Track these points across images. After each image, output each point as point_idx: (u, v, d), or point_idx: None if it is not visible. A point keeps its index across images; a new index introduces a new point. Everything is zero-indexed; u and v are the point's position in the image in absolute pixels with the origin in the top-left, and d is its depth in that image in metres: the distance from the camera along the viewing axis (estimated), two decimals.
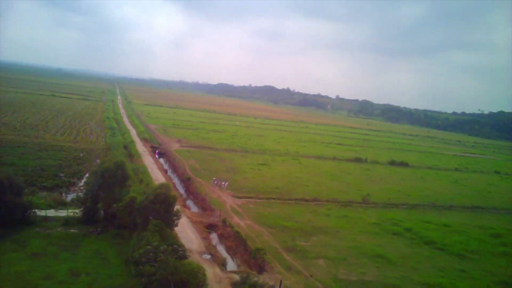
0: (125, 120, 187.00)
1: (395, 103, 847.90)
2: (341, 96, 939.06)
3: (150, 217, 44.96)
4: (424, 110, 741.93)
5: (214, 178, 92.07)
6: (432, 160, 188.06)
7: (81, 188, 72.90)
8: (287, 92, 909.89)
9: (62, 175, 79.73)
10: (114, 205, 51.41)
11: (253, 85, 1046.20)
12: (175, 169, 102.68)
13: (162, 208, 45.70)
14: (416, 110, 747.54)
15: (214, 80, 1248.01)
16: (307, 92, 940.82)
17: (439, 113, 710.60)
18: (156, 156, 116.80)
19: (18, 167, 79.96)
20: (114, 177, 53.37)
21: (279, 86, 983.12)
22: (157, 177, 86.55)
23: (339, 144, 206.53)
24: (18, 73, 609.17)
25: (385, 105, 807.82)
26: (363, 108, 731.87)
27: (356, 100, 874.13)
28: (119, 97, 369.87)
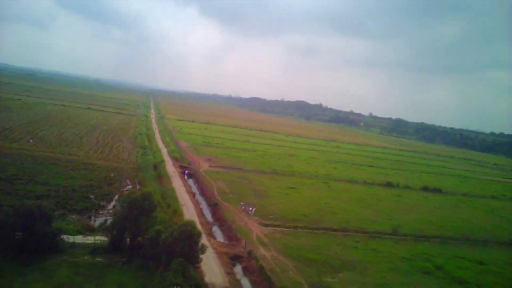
0: (157, 136, 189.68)
1: (429, 121, 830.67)
2: (374, 113, 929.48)
3: (175, 254, 44.69)
4: (460, 130, 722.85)
5: (241, 203, 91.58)
6: (467, 186, 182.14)
7: (110, 211, 73.79)
8: (319, 108, 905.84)
9: (92, 196, 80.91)
10: (139, 238, 51.57)
11: (286, 99, 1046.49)
12: (203, 192, 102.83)
13: (186, 245, 45.44)
14: (452, 129, 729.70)
15: (246, 94, 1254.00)
16: (339, 109, 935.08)
17: (476, 133, 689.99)
18: (185, 177, 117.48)
19: (50, 187, 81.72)
20: (141, 208, 53.64)
21: (312, 101, 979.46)
22: (185, 201, 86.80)
23: (371, 166, 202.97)
24: (59, 83, 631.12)
25: (419, 123, 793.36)
26: (397, 127, 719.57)
27: (390, 118, 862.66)
28: (152, 111, 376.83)
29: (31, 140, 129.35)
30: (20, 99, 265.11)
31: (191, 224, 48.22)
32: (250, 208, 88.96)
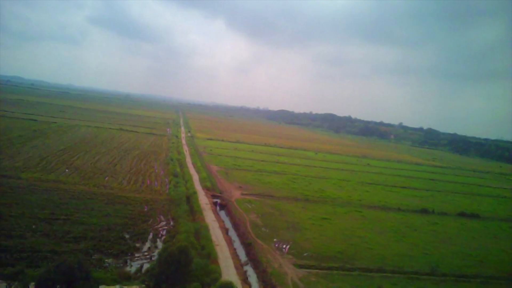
0: (188, 160, 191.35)
1: (462, 131, 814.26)
2: (405, 123, 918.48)
3: None
4: (496, 141, 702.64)
5: (275, 240, 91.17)
6: (506, 208, 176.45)
7: (145, 254, 74.45)
8: (348, 120, 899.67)
9: (127, 236, 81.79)
10: None
11: (314, 112, 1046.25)
12: (236, 226, 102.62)
13: None
14: (486, 140, 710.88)
15: (275, 106, 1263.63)
16: (369, 119, 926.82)
17: None
18: (217, 208, 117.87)
19: (87, 227, 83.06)
20: (178, 262, 53.89)
21: (340, 113, 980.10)
22: (219, 240, 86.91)
23: (404, 187, 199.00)
24: (91, 101, 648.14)
25: (451, 134, 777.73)
26: (428, 139, 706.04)
27: (421, 129, 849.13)
28: (182, 129, 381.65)
29: (67, 170, 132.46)
30: (55, 122, 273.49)
31: (229, 285, 48.00)
32: (284, 246, 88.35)
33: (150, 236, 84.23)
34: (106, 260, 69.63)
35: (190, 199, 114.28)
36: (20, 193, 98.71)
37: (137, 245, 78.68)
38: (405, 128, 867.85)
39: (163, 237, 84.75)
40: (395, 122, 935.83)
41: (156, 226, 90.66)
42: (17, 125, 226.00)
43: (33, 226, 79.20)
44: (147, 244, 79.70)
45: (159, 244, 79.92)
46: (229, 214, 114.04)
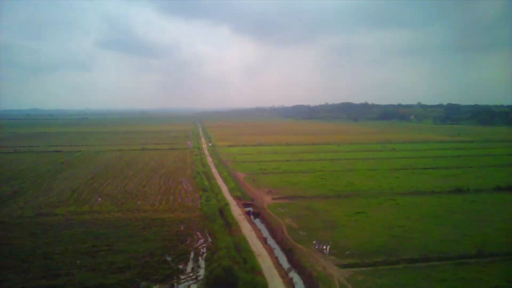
0: (214, 171, 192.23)
1: (483, 102, 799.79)
2: (423, 102, 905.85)
3: None
4: None
5: (314, 242, 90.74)
6: None
7: (190, 275, 74.91)
8: (365, 107, 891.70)
9: (169, 259, 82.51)
10: None
11: (330, 103, 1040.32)
12: (273, 234, 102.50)
13: None
14: (510, 107, 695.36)
15: (289, 103, 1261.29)
16: (387, 103, 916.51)
17: None
18: (252, 217, 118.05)
19: (129, 255, 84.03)
20: (225, 283, 54.16)
21: (357, 100, 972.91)
22: (259, 250, 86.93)
23: (433, 168, 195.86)
24: (110, 123, 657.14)
25: (473, 106, 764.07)
26: (450, 114, 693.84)
27: (441, 105, 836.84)
28: (203, 139, 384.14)
29: (99, 199, 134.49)
30: (79, 151, 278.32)
31: None
32: (324, 247, 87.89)
33: (192, 255, 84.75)
34: (154, 287, 70.48)
35: (223, 211, 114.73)
36: (59, 229, 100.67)
37: (180, 266, 79.33)
38: (424, 107, 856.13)
39: (204, 254, 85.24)
40: (413, 102, 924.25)
41: (196, 245, 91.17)
42: (43, 159, 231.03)
43: (78, 262, 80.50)
44: (190, 264, 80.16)
45: (202, 263, 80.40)
46: (264, 221, 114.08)
